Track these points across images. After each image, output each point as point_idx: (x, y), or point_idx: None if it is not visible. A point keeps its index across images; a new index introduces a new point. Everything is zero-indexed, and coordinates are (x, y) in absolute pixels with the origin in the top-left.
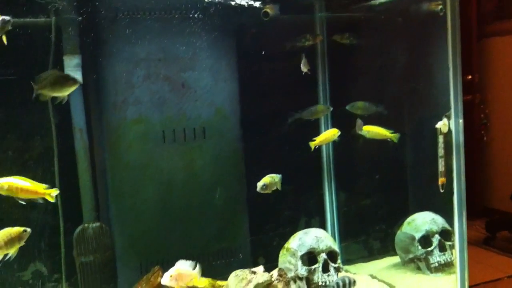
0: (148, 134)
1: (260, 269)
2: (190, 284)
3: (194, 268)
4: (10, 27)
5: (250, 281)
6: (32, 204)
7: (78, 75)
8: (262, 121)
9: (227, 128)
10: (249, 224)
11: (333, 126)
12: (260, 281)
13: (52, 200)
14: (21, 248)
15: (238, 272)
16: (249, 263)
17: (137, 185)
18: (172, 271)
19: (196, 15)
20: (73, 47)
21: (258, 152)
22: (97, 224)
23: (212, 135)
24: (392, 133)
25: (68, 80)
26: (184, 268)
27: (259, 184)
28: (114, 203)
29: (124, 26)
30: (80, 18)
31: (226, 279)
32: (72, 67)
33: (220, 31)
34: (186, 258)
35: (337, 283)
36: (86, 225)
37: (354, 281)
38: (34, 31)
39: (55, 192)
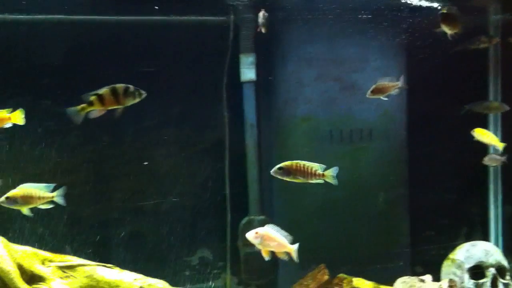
0: (316, 132)
1: (428, 278)
2: (275, 250)
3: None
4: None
5: None
6: (202, 194)
7: (252, 73)
8: (428, 124)
9: (393, 130)
10: (410, 231)
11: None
12: None
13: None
14: (190, 235)
15: (406, 278)
16: (407, 271)
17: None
18: (260, 229)
19: (368, 16)
20: (249, 45)
21: (423, 156)
22: (262, 217)
23: (378, 136)
24: None
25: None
26: (274, 232)
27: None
28: (278, 198)
29: (298, 26)
30: (255, 17)
31: (382, 283)
32: (247, 65)
33: (390, 32)
34: (346, 259)
35: None
36: (252, 217)
37: None
38: (212, 29)
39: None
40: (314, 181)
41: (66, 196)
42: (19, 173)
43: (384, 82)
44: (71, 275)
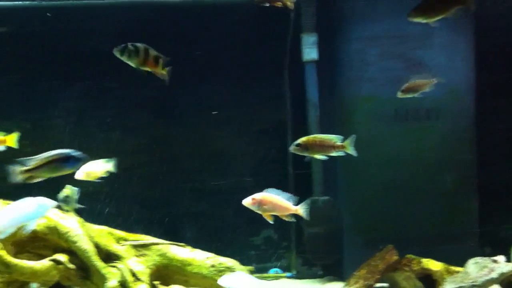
0: (380, 111)
1: (501, 258)
2: (275, 213)
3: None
4: None
5: (492, 270)
6: (265, 174)
7: (314, 53)
8: (497, 102)
9: (460, 109)
10: (478, 211)
11: None
12: (505, 270)
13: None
14: (254, 215)
15: (478, 259)
16: (477, 252)
17: (365, 162)
18: (257, 195)
19: None
20: (311, 25)
21: (491, 135)
22: (326, 197)
23: (444, 115)
24: None
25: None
26: (272, 196)
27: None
28: (342, 178)
29: (361, 4)
30: None
31: (451, 264)
32: (309, 44)
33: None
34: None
35: None
36: (315, 197)
37: None
38: (274, 9)
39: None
40: (334, 154)
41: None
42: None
43: (418, 80)
44: (145, 254)
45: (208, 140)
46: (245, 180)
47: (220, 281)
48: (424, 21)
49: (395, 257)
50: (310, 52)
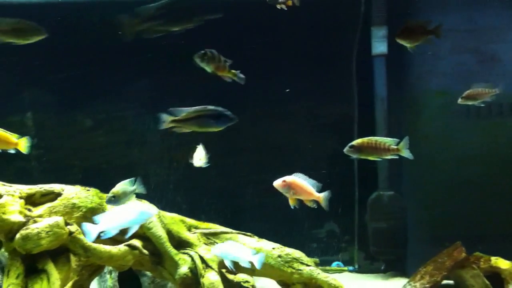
0: (451, 107)
1: None
2: (303, 198)
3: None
4: None
5: None
6: (330, 167)
7: (383, 46)
8: None
9: None
10: None
11: None
12: None
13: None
14: (317, 208)
15: None
16: None
17: (434, 158)
18: (287, 177)
19: None
20: (381, 18)
21: None
22: (391, 192)
23: None
24: None
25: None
26: (301, 180)
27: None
28: (408, 174)
29: None
30: None
31: None
32: (379, 38)
33: None
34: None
35: None
36: (380, 192)
37: None
38: (344, 2)
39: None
40: (388, 157)
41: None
42: None
43: (478, 89)
44: (215, 242)
45: (274, 133)
46: (310, 174)
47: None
48: (407, 45)
49: (463, 254)
50: (379, 46)
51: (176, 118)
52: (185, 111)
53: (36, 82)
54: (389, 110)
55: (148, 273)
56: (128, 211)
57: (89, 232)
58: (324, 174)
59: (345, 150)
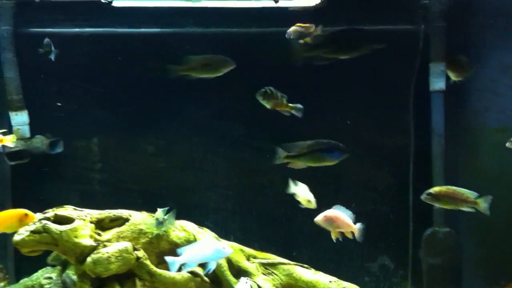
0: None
1: None
2: (343, 230)
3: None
4: None
5: None
6: (384, 201)
7: (442, 82)
8: None
9: None
10: None
11: None
12: None
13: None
14: (371, 241)
15: None
16: None
17: (491, 194)
18: (328, 212)
19: None
20: (439, 54)
21: None
22: (447, 229)
23: None
24: None
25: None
26: (341, 213)
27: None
28: (465, 211)
29: (492, 32)
30: (447, 25)
31: None
32: (437, 74)
33: None
34: None
35: None
36: (436, 228)
37: None
38: (402, 38)
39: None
40: (465, 208)
41: None
42: None
43: None
44: (272, 272)
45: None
46: (364, 207)
47: None
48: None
49: None
50: (437, 82)
51: (290, 154)
52: (298, 146)
53: (103, 109)
54: (446, 145)
55: None
56: (208, 248)
57: (173, 263)
58: (379, 207)
59: (422, 197)
